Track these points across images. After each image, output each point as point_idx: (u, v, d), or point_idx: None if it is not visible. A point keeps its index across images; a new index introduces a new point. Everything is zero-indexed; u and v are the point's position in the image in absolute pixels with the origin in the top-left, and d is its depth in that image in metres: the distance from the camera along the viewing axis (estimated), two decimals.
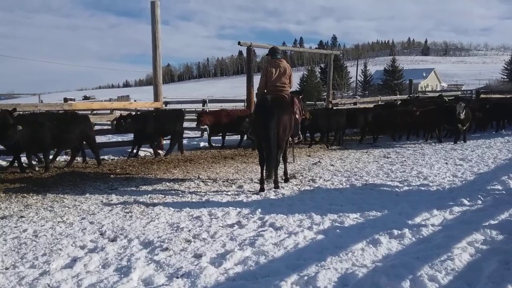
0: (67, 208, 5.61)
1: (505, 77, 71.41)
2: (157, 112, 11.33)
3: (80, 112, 11.18)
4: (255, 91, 12.23)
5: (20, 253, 3.96)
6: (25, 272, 3.50)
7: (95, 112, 19.66)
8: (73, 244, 4.19)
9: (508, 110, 15.07)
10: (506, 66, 74.44)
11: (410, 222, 4.71)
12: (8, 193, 6.49)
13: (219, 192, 6.52)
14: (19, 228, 4.72)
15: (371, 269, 3.39)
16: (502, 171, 7.64)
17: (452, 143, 12.23)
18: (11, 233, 4.56)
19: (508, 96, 22.80)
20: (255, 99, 11.22)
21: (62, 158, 9.78)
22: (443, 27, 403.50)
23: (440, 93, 24.96)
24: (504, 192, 5.96)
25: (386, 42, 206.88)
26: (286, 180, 7.29)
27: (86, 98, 72.75)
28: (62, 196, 6.32)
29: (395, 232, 4.29)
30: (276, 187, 6.71)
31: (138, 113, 11.60)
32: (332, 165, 9.07)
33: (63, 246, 4.11)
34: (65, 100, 11.84)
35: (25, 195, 6.38)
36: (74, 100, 11.95)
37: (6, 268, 3.62)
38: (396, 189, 6.53)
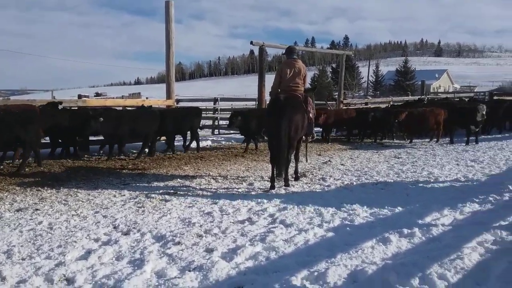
0: (81, 202, 5.72)
1: None
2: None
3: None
4: (266, 90, 12.29)
5: (36, 245, 4.05)
6: (41, 262, 3.59)
7: None
8: (87, 237, 4.28)
9: None
10: None
11: (420, 221, 4.73)
12: (23, 187, 6.61)
13: (230, 189, 6.58)
14: (35, 221, 4.82)
15: (381, 266, 3.43)
16: None
17: (464, 144, 12.16)
18: (27, 225, 4.66)
19: None
20: (267, 98, 11.27)
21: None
22: (458, 29, 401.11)
23: (451, 96, 24.72)
24: None
25: (399, 42, 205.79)
26: (297, 178, 7.33)
27: (98, 94, 73.26)
28: (75, 190, 6.43)
29: (405, 231, 4.32)
30: (287, 185, 6.75)
31: None
32: (342, 164, 9.09)
33: (78, 239, 4.20)
34: (79, 96, 12.00)
35: (40, 188, 6.49)
36: (88, 96, 12.07)
37: (23, 259, 3.71)
38: (407, 189, 6.54)
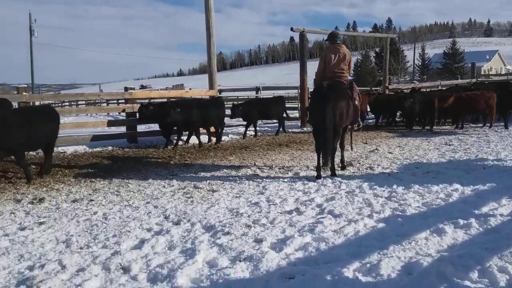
0: (132, 193, 5.89)
1: None
2: None
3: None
4: (308, 77, 12.12)
5: (93, 234, 4.21)
6: (98, 252, 3.73)
7: None
8: (140, 227, 4.40)
9: None
10: None
11: (476, 211, 4.53)
12: (77, 178, 6.90)
13: (276, 179, 6.56)
14: (90, 211, 5.01)
15: (436, 258, 3.31)
16: None
17: None
18: (83, 215, 4.86)
19: None
20: (310, 85, 11.09)
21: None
22: (509, 6, 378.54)
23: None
24: None
25: (445, 23, 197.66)
26: (343, 167, 7.20)
27: (143, 87, 74.96)
28: (127, 181, 6.63)
29: (461, 221, 4.15)
30: (333, 174, 6.65)
31: None
32: (390, 152, 8.85)
33: (131, 228, 4.33)
34: (126, 89, 12.26)
35: (93, 180, 6.75)
36: (134, 89, 12.34)
37: (81, 248, 3.86)
38: (460, 178, 6.27)
